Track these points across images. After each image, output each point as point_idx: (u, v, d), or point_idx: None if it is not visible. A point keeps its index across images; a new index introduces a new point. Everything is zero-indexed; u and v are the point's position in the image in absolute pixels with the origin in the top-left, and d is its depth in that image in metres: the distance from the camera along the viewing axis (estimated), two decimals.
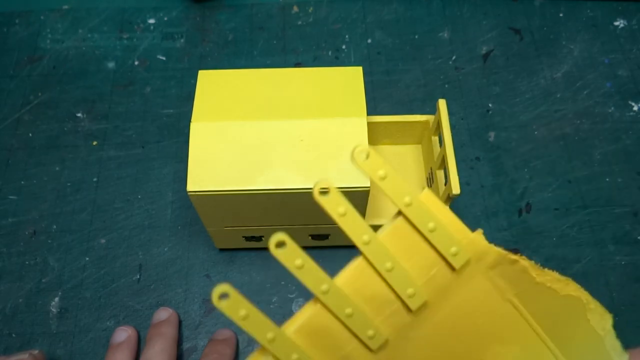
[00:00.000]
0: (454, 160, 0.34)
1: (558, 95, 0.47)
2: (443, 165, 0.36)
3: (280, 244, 0.19)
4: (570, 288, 0.22)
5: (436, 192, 0.37)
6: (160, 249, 0.41)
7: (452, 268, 0.21)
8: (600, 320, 0.22)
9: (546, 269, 0.22)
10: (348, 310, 0.20)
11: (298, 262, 0.19)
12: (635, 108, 0.46)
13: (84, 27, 0.51)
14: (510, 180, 0.43)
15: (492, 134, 0.45)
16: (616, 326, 0.39)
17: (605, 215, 0.41)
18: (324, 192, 0.19)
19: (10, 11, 0.52)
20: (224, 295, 0.18)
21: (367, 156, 0.19)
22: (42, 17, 0.51)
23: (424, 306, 0.21)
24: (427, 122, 0.39)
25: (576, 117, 0.46)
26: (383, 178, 0.20)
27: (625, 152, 0.44)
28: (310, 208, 0.32)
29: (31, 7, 0.52)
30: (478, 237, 0.21)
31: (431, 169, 0.39)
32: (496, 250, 0.22)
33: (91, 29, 0.51)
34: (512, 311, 0.22)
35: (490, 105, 0.46)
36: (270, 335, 0.20)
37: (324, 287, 0.20)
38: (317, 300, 0.20)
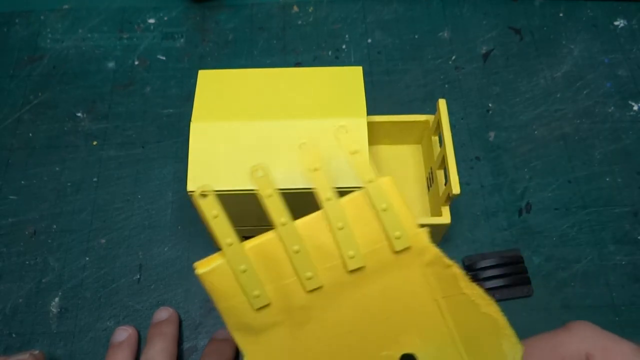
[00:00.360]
0: (454, 160, 0.34)
1: (558, 95, 0.47)
2: (443, 165, 0.36)
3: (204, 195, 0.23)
4: (491, 309, 0.23)
5: (436, 192, 0.37)
6: (160, 249, 0.41)
7: (394, 250, 0.23)
8: (512, 349, 0.23)
9: (474, 284, 0.23)
10: (296, 247, 0.23)
11: (268, 191, 0.23)
12: (635, 108, 0.46)
13: (84, 27, 0.51)
14: (510, 180, 0.43)
15: (492, 134, 0.45)
16: (616, 326, 0.39)
17: (605, 215, 0.41)
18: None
19: (10, 11, 0.52)
20: (204, 194, 0.23)
21: (346, 132, 0.24)
22: (42, 17, 0.51)
23: (360, 273, 0.24)
24: (427, 122, 0.39)
25: (576, 117, 0.46)
26: (354, 153, 0.23)
27: (625, 152, 0.44)
28: (310, 208, 0.32)
29: (31, 7, 0.52)
30: (422, 233, 0.24)
31: (431, 169, 0.39)
32: (434, 251, 0.24)
33: (91, 29, 0.51)
34: (436, 312, 0.24)
35: (490, 105, 0.46)
36: (229, 240, 0.23)
37: (283, 220, 0.23)
38: (276, 231, 0.23)
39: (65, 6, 0.52)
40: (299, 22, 0.51)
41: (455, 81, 0.48)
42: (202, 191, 0.23)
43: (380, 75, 0.48)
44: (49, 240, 0.41)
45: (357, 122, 0.32)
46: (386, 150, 0.42)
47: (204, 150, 0.32)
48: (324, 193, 0.23)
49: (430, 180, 0.39)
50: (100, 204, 0.43)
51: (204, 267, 0.24)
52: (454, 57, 0.49)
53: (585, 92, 0.47)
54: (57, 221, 0.42)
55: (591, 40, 0.49)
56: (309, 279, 0.23)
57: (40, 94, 0.47)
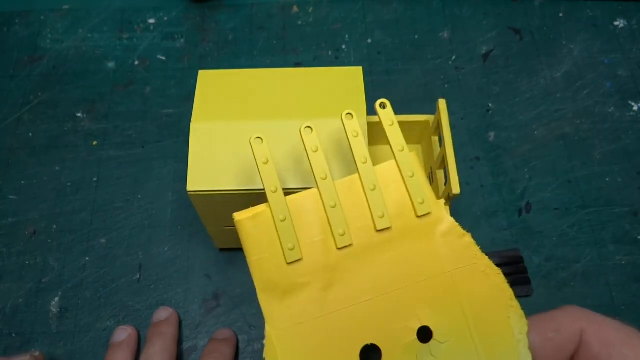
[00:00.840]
0: (454, 160, 0.34)
1: (558, 95, 0.47)
2: (443, 165, 0.36)
3: (309, 131, 0.25)
4: (499, 279, 0.24)
5: (436, 192, 0.37)
6: (160, 249, 0.41)
7: (417, 215, 0.25)
8: (519, 322, 0.23)
9: (484, 254, 0.24)
10: (332, 202, 0.25)
11: (314, 146, 0.25)
12: (635, 108, 0.46)
13: (84, 27, 0.51)
14: (510, 180, 0.43)
15: (492, 134, 0.45)
16: None
17: (605, 215, 0.41)
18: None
19: (10, 11, 0.52)
20: (258, 141, 0.25)
21: (385, 107, 0.27)
22: (42, 17, 0.51)
23: (387, 236, 0.25)
24: (427, 122, 0.39)
25: (576, 117, 0.46)
26: (391, 125, 0.26)
27: (625, 152, 0.44)
28: None
29: (31, 7, 0.52)
30: (440, 203, 0.25)
31: (431, 169, 0.39)
32: (450, 220, 0.25)
33: (91, 29, 0.51)
34: (448, 284, 0.25)
35: (490, 105, 0.46)
36: (274, 187, 0.25)
37: (323, 175, 0.25)
38: (317, 186, 0.25)
39: (65, 6, 0.52)
40: (299, 22, 0.51)
41: (455, 81, 0.48)
42: (258, 136, 0.25)
43: (380, 75, 0.48)
44: (49, 240, 0.41)
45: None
46: (386, 150, 0.42)
47: (204, 150, 0.32)
48: (360, 156, 0.26)
49: (430, 180, 0.39)
50: (100, 204, 0.43)
51: (245, 214, 0.25)
52: (454, 57, 0.49)
53: (585, 92, 0.47)
54: (57, 221, 0.42)
55: (591, 40, 0.49)
56: (342, 235, 0.25)
57: (40, 94, 0.47)
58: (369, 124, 0.33)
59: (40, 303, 0.39)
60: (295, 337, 0.24)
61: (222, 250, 0.41)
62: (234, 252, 0.41)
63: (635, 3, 0.51)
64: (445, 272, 0.25)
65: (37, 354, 0.35)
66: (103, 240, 0.41)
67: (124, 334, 0.36)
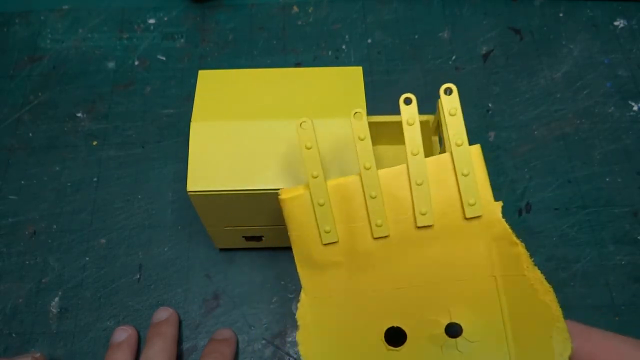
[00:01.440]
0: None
1: (558, 95, 0.47)
2: None
3: (359, 117, 0.24)
4: (548, 297, 0.23)
5: None
6: (160, 249, 0.41)
7: (465, 217, 0.24)
8: (562, 343, 0.22)
9: (536, 268, 0.23)
10: (373, 193, 0.24)
11: (362, 134, 0.25)
12: (635, 108, 0.46)
13: (84, 27, 0.51)
14: (510, 180, 0.43)
15: (492, 134, 0.45)
16: (616, 326, 0.39)
17: (605, 215, 0.41)
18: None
19: (10, 11, 0.52)
20: (304, 125, 0.24)
21: (450, 93, 0.25)
22: (42, 17, 0.51)
23: (427, 233, 0.24)
24: (427, 122, 0.39)
25: (576, 117, 0.46)
26: (453, 115, 0.25)
27: (625, 152, 0.44)
28: None
29: (31, 7, 0.52)
30: (496, 206, 0.25)
31: None
32: (504, 225, 0.24)
33: (91, 29, 0.51)
34: (492, 288, 0.24)
35: (490, 105, 0.46)
36: (315, 172, 0.24)
37: (368, 164, 0.24)
38: (359, 175, 0.24)
39: (65, 6, 0.52)
40: (299, 22, 0.51)
41: (455, 81, 0.47)
42: (302, 121, 0.25)
43: (380, 75, 0.48)
44: (49, 240, 0.41)
45: None
46: (386, 150, 0.42)
47: (204, 150, 0.32)
48: (412, 147, 0.24)
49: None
50: (100, 204, 0.43)
51: (288, 194, 0.25)
52: (454, 57, 0.49)
53: (585, 92, 0.47)
54: (57, 221, 0.42)
55: (591, 40, 0.49)
56: (379, 226, 0.24)
57: (40, 94, 0.47)
58: (369, 124, 0.33)
59: (40, 303, 0.39)
60: (326, 306, 0.25)
61: (222, 250, 0.41)
62: (234, 252, 0.41)
63: (635, 3, 0.51)
64: (490, 276, 0.24)
65: (38, 355, 0.35)
66: (103, 240, 0.41)
67: (123, 334, 0.36)
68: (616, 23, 0.50)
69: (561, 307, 0.38)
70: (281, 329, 0.38)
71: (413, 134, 0.24)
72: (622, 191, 0.42)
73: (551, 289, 0.23)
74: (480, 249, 0.24)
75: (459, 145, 0.24)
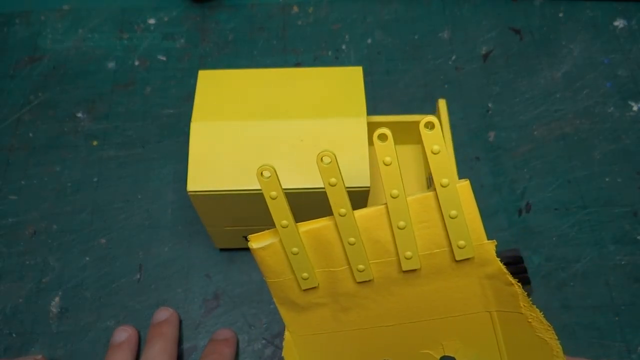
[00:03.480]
0: (453, 161, 0.34)
1: (558, 95, 0.47)
2: None
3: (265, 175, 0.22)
4: (547, 334, 0.22)
5: None
6: (160, 249, 0.41)
7: (454, 259, 0.23)
8: None
9: (534, 307, 0.22)
10: (352, 239, 0.22)
11: (333, 180, 0.22)
12: (635, 108, 0.46)
13: (84, 27, 0.51)
14: (510, 180, 0.43)
15: (492, 134, 0.45)
16: (616, 326, 0.39)
17: (605, 215, 0.41)
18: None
19: (10, 11, 0.52)
20: (266, 173, 0.22)
21: (432, 128, 0.21)
22: (42, 17, 0.51)
23: (414, 274, 0.23)
24: None
25: (576, 117, 0.46)
26: (436, 152, 0.21)
27: (625, 152, 0.44)
28: (310, 207, 0.32)
29: (31, 7, 0.52)
30: (489, 246, 0.22)
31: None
32: (498, 265, 0.23)
33: (91, 29, 0.51)
34: (487, 322, 0.23)
35: (490, 105, 0.46)
36: (284, 222, 0.23)
37: (342, 210, 0.22)
38: (332, 219, 0.23)
39: (65, 6, 0.52)
40: (299, 23, 0.51)
41: (455, 81, 0.48)
42: (264, 169, 0.22)
43: (380, 75, 0.48)
44: (49, 240, 0.41)
45: (357, 122, 0.32)
46: None
47: (204, 150, 0.32)
48: (391, 189, 0.22)
49: (430, 180, 0.39)
50: (100, 204, 0.43)
51: (258, 241, 0.24)
52: (454, 57, 0.49)
53: (585, 92, 0.47)
54: (57, 221, 0.42)
55: (591, 40, 0.49)
56: (361, 271, 0.23)
57: (40, 94, 0.47)
58: (369, 124, 0.33)
59: (40, 303, 0.39)
60: (312, 344, 0.24)
61: (222, 250, 0.41)
62: (234, 252, 0.41)
63: (635, 3, 0.51)
64: (485, 311, 0.23)
65: (39, 357, 0.35)
66: (103, 240, 0.41)
67: (124, 334, 0.36)
68: (616, 23, 0.50)
69: (561, 307, 0.38)
70: (281, 329, 0.38)
71: (391, 174, 0.22)
72: (622, 191, 0.42)
73: (551, 327, 0.22)
74: (472, 287, 0.23)
75: (444, 186, 0.22)
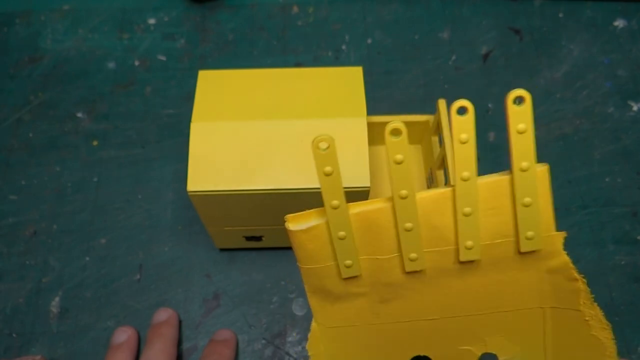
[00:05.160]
0: (454, 161, 0.34)
1: (558, 95, 0.47)
2: (443, 165, 0.36)
3: (396, 132, 0.19)
4: (604, 334, 0.21)
5: None
6: (160, 249, 0.41)
7: (518, 250, 0.21)
8: None
9: (595, 304, 0.21)
10: (409, 225, 0.20)
11: (399, 157, 0.19)
12: (635, 108, 0.46)
13: (84, 27, 0.51)
14: None
15: (492, 134, 0.45)
16: (616, 326, 0.39)
17: (605, 215, 0.41)
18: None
19: (10, 11, 0.52)
20: (322, 145, 0.19)
21: (522, 102, 0.19)
22: (42, 17, 0.51)
23: (470, 265, 0.21)
24: (427, 122, 0.39)
25: (576, 117, 0.46)
26: (522, 132, 0.19)
27: (625, 152, 0.44)
28: (310, 208, 0.32)
29: (31, 7, 0.52)
30: (558, 238, 0.21)
31: (431, 169, 0.39)
32: (565, 259, 0.21)
33: (91, 29, 0.51)
34: (537, 318, 0.22)
35: (490, 105, 0.46)
36: (336, 202, 0.20)
37: (404, 192, 0.20)
38: (390, 200, 0.20)
39: (65, 6, 0.52)
40: (299, 23, 0.51)
41: (455, 81, 0.48)
42: (321, 140, 0.19)
43: (380, 75, 0.48)
44: (49, 240, 0.41)
45: (357, 122, 0.32)
46: (385, 151, 0.42)
47: (204, 150, 0.32)
48: (462, 172, 0.20)
49: (430, 180, 0.39)
50: (100, 204, 0.43)
51: (298, 222, 0.21)
52: (454, 57, 0.49)
53: (585, 92, 0.47)
54: (57, 221, 0.42)
55: (591, 41, 0.49)
56: (413, 260, 0.21)
57: (40, 94, 0.47)
58: (369, 124, 0.33)
59: (40, 303, 0.39)
60: (341, 337, 0.22)
61: (222, 250, 0.41)
62: (234, 252, 0.41)
63: (635, 3, 0.51)
64: (538, 307, 0.22)
65: (38, 357, 0.35)
66: (103, 240, 0.41)
67: (124, 335, 0.36)
68: (616, 23, 0.50)
69: None
70: (281, 329, 0.38)
71: (466, 153, 0.19)
72: (621, 191, 0.42)
73: (609, 327, 0.21)
74: (530, 280, 0.21)
75: (524, 171, 0.19)
